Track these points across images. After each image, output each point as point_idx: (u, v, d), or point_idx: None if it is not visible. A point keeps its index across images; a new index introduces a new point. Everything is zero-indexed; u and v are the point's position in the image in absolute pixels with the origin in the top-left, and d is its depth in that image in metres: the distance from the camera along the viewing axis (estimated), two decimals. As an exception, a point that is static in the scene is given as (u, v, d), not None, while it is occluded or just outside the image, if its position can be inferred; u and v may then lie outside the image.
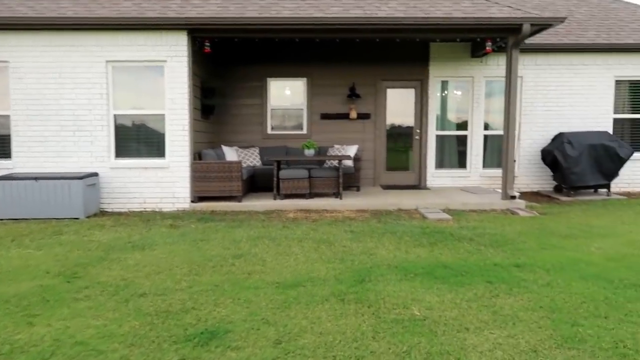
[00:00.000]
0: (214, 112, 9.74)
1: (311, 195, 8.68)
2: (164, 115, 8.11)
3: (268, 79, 10.32)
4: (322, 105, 10.36)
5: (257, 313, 3.54)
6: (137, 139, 8.23)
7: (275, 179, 8.51)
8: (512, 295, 3.93)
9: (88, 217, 7.56)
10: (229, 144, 10.29)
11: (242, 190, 8.25)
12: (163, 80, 8.05)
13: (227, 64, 10.27)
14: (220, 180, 8.15)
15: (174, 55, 7.95)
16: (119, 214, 7.92)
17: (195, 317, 3.47)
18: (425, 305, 3.69)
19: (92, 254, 5.26)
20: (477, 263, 4.80)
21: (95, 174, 7.92)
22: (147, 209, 8.17)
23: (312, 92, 10.33)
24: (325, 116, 10.35)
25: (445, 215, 7.39)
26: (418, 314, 3.54)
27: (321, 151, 10.10)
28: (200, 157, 8.47)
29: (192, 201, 8.20)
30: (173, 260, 4.97)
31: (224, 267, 4.70)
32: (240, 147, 10.15)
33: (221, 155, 9.21)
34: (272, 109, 10.41)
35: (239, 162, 8.16)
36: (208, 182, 8.15)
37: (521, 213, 7.65)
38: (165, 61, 7.98)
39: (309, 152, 8.64)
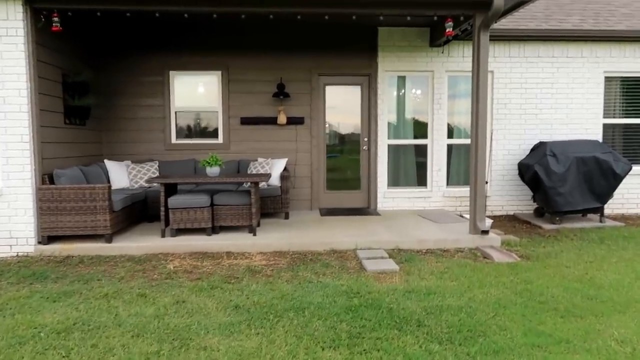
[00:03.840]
0: (90, 115, 7.31)
1: (215, 229, 6.37)
2: (-6, 120, 5.67)
3: (171, 73, 7.94)
4: (243, 106, 8.05)
5: None
6: (-42, 154, 5.77)
7: (162, 207, 6.17)
8: None
9: None
10: (119, 157, 7.88)
11: (112, 225, 5.88)
12: (-9, 70, 5.62)
13: (111, 52, 7.82)
14: (80, 212, 5.76)
15: (4, 35, 5.52)
16: None
17: None
18: None
19: None
20: (423, 401, 2.59)
21: None
22: (-28, 255, 5.72)
23: (230, 90, 8.01)
24: (246, 121, 8.05)
25: (391, 265, 5.19)
26: None
27: (241, 166, 7.80)
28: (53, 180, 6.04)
29: (40, 242, 5.79)
30: None
31: None
32: (134, 161, 7.75)
33: (98, 175, 6.81)
34: (177, 112, 8.04)
35: (105, 187, 5.78)
36: (61, 215, 5.74)
37: (496, 257, 5.53)
38: (-9, 43, 5.56)
39: (212, 171, 6.33)
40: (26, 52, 5.56)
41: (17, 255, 5.74)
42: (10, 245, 5.73)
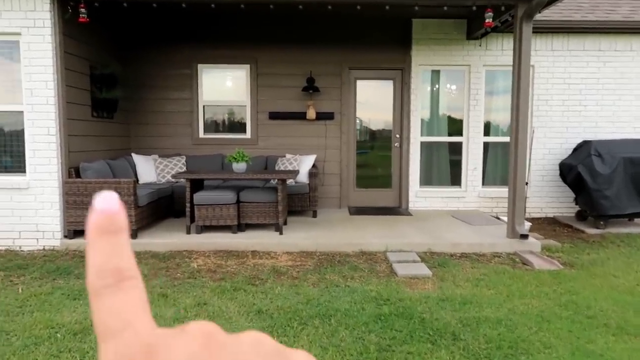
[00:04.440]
0: (117, 108, 7.25)
1: (241, 227, 6.21)
2: (22, 113, 5.64)
3: (199, 66, 7.81)
4: (271, 101, 7.86)
5: None
6: (-13, 146, 5.78)
7: (187, 204, 6.04)
8: None
9: None
10: (146, 151, 7.81)
11: (137, 220, 5.78)
12: (19, 62, 5.58)
13: (138, 44, 7.72)
14: (105, 207, 5.67)
15: (31, 26, 5.47)
16: (-48, 256, 5.47)
17: None
18: None
19: None
20: None
21: None
22: (-1, 247, 5.73)
23: (258, 84, 7.83)
24: (275, 115, 7.86)
25: (423, 270, 4.92)
26: None
27: (268, 162, 7.62)
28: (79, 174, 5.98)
29: (66, 236, 5.75)
30: None
31: None
32: (161, 155, 7.67)
33: (125, 169, 6.75)
34: (205, 106, 7.92)
35: (131, 182, 5.69)
36: (87, 209, 5.67)
37: (536, 263, 5.17)
38: (19, 34, 5.51)
39: (239, 167, 6.17)
40: (53, 43, 5.50)
41: (43, 248, 5.72)
42: (37, 239, 5.71)
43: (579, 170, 6.87)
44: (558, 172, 7.63)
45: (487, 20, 5.87)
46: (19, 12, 5.44)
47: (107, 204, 0.27)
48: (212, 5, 5.59)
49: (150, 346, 0.24)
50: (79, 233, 5.83)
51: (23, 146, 5.67)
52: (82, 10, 5.56)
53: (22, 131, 5.66)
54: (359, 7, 5.55)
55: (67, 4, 5.59)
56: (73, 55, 5.96)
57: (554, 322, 3.62)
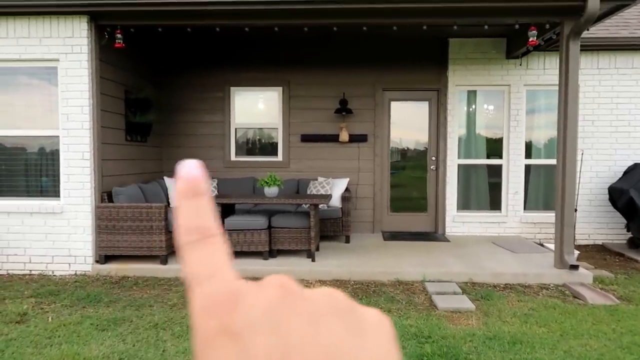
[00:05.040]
0: (151, 132, 7.25)
1: (272, 253, 6.03)
2: (58, 137, 5.67)
3: (232, 89, 7.79)
4: (303, 123, 7.74)
5: None
6: (24, 171, 5.83)
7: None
8: None
9: None
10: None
11: (168, 246, 5.67)
12: (57, 88, 5.63)
13: (172, 68, 7.77)
14: (137, 232, 5.61)
15: (69, 52, 5.52)
16: (-14, 280, 5.48)
17: None
18: None
19: None
20: None
21: (-43, 222, 5.54)
22: (32, 272, 5.71)
23: (290, 106, 7.73)
24: (307, 138, 7.73)
25: (465, 303, 4.61)
26: None
27: (300, 186, 7.47)
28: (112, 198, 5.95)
29: (98, 261, 5.70)
30: None
31: None
32: (193, 178, 7.60)
33: (157, 193, 6.71)
34: (237, 128, 7.87)
35: (162, 207, 5.61)
36: (118, 234, 5.62)
37: (589, 297, 4.79)
38: (57, 60, 5.57)
39: (271, 192, 6.03)
40: (89, 69, 5.54)
41: (75, 273, 5.68)
42: (69, 264, 5.68)
43: (630, 195, 6.44)
44: (606, 196, 7.20)
45: (530, 39, 5.60)
46: (57, 39, 5.51)
47: (190, 171, 0.30)
48: (246, 29, 5.53)
49: (234, 292, 0.26)
50: (110, 258, 5.77)
51: (58, 171, 5.69)
52: (118, 35, 5.60)
53: (58, 156, 5.68)
54: (395, 28, 5.39)
55: (103, 30, 5.64)
56: (109, 80, 6.00)
57: (618, 368, 3.27)
